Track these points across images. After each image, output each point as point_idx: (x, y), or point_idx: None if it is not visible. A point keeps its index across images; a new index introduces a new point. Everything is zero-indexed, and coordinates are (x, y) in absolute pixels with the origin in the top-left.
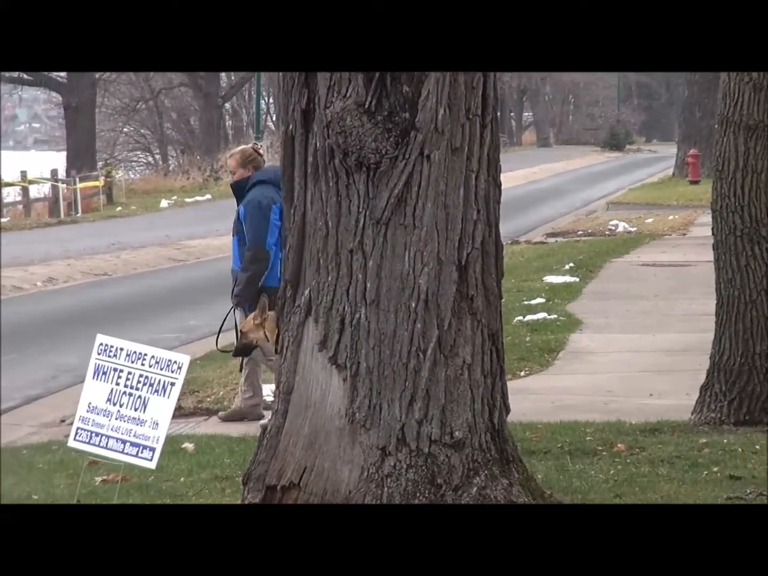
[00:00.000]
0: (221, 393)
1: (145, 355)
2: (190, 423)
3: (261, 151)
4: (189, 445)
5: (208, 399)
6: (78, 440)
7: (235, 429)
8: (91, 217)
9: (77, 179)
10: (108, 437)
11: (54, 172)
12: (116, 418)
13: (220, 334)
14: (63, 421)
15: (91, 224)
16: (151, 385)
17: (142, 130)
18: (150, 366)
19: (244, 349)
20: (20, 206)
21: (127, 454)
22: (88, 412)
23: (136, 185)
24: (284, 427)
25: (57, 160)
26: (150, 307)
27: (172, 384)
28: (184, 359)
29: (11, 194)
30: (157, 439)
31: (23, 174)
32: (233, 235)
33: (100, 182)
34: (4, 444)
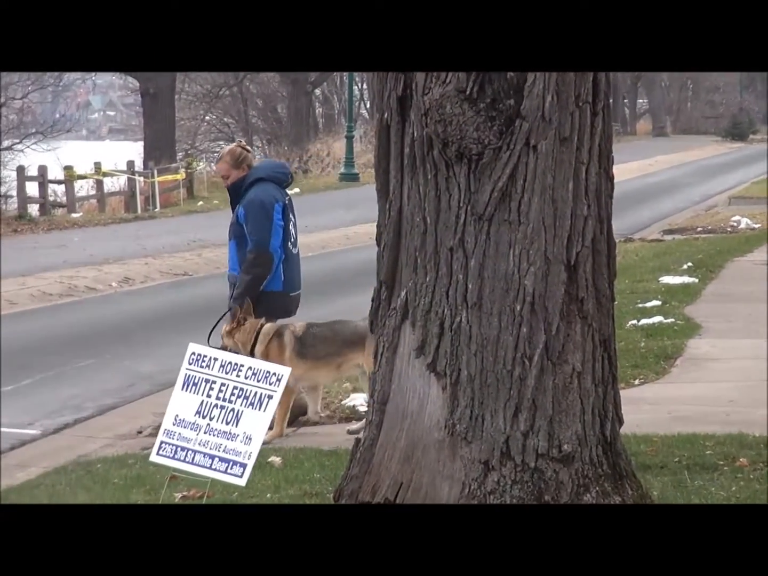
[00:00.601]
0: None
1: (242, 365)
2: None
3: (249, 148)
4: (276, 459)
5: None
6: (161, 455)
7: (326, 441)
8: (170, 212)
9: (155, 171)
10: (195, 452)
11: (130, 164)
12: (205, 432)
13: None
14: (140, 432)
15: (170, 220)
16: (246, 397)
17: (226, 119)
18: (246, 377)
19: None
20: (94, 200)
21: (215, 469)
22: (174, 425)
23: (219, 178)
24: (379, 439)
25: (133, 150)
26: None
27: (270, 397)
28: (285, 371)
29: (84, 188)
30: (249, 455)
31: (97, 166)
32: (230, 239)
33: (180, 175)
34: (77, 456)
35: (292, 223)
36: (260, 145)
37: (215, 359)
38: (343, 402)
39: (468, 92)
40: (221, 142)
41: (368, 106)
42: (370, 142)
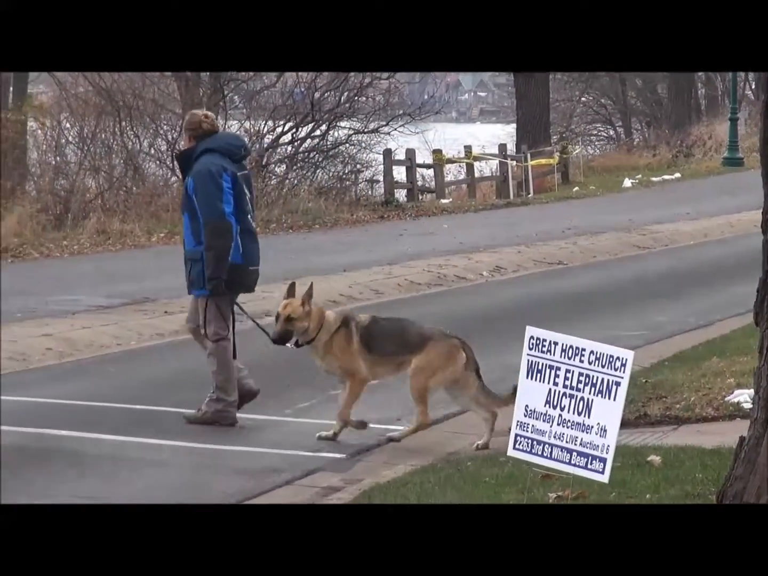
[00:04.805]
0: (692, 399)
1: (583, 350)
2: (657, 433)
3: (210, 121)
4: (655, 458)
5: (677, 406)
6: (518, 449)
7: (708, 440)
8: (544, 198)
9: (528, 155)
10: (551, 446)
11: (502, 148)
12: (558, 424)
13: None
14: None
15: (543, 206)
16: (594, 385)
17: (603, 100)
18: (590, 363)
19: (285, 336)
20: (464, 186)
21: (575, 465)
22: (525, 416)
23: (596, 162)
24: (765, 437)
25: (505, 133)
26: (610, 301)
27: (617, 384)
28: (628, 355)
29: (454, 172)
30: (607, 448)
31: (467, 150)
32: (183, 212)
33: (555, 159)
34: (446, 453)
35: (248, 197)
36: (639, 127)
37: (555, 343)
38: (726, 399)
39: None
40: (598, 125)
41: (753, 86)
42: (755, 124)
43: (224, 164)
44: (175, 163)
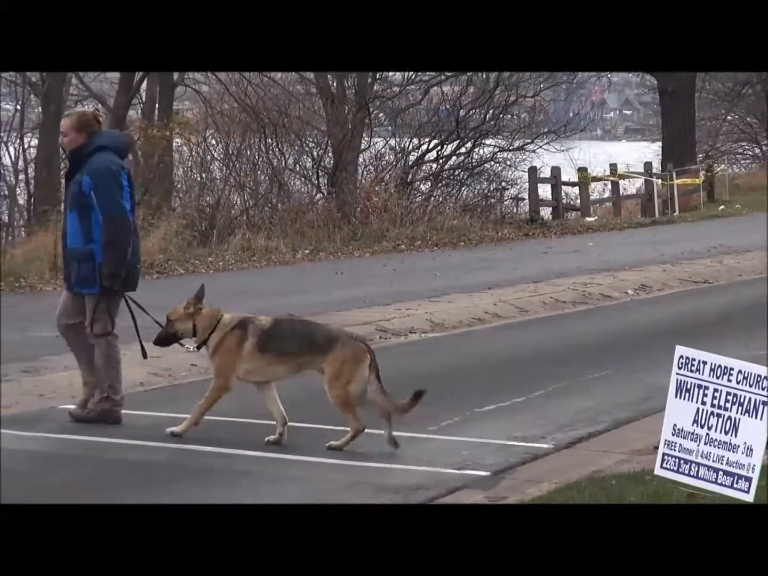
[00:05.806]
0: None
1: (731, 369)
2: None
3: (101, 119)
4: None
5: None
6: (665, 468)
7: None
8: (690, 216)
9: (674, 174)
10: (698, 464)
11: (647, 166)
12: (705, 443)
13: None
14: (656, 447)
15: (689, 225)
16: (741, 404)
17: (748, 118)
18: (737, 382)
19: (167, 339)
20: (609, 204)
21: (721, 484)
22: (673, 435)
23: (741, 180)
24: None
25: (650, 151)
26: (756, 320)
27: (765, 403)
28: None
29: (599, 190)
30: (753, 468)
31: (612, 167)
32: (71, 210)
33: (700, 178)
34: (591, 471)
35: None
36: None
37: (704, 363)
38: None
39: None
40: (744, 143)
41: None
42: None
43: (120, 162)
44: (319, 180)
